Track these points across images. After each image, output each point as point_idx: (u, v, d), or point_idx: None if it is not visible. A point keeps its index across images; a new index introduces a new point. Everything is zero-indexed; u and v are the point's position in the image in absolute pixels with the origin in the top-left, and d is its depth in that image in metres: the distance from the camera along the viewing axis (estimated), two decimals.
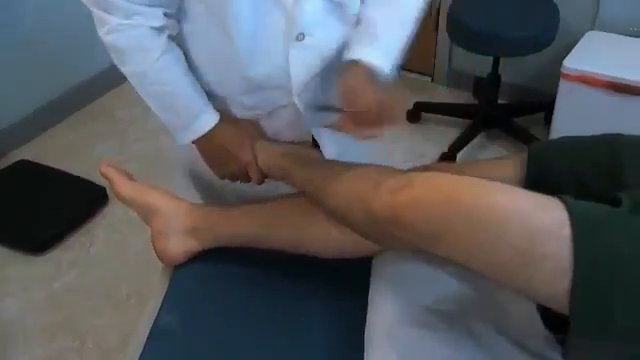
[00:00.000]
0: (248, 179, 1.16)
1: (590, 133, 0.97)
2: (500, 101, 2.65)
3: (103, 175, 1.13)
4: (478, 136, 2.59)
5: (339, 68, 1.05)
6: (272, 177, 1.14)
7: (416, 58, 2.99)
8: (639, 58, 2.24)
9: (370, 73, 1.03)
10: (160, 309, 1.11)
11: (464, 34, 2.33)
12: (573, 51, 2.27)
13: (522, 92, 2.75)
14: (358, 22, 1.09)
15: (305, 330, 1.04)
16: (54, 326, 1.96)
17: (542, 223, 0.71)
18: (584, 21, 2.46)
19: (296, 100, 1.11)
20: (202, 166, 1.19)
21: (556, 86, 2.27)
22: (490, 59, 2.49)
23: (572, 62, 2.22)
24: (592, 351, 0.75)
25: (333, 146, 1.22)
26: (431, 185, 0.79)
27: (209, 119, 1.11)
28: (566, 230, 0.70)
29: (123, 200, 1.13)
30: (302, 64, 1.07)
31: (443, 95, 2.91)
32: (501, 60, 2.50)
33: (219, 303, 1.11)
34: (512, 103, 2.76)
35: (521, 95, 2.75)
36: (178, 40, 1.07)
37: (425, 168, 1.08)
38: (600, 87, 2.16)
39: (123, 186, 1.13)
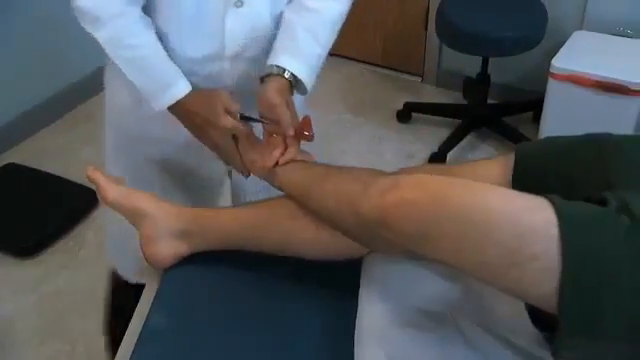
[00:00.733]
0: (235, 150, 1.14)
1: (579, 132, 0.97)
2: (489, 101, 2.66)
3: (90, 179, 1.12)
4: (468, 136, 2.60)
5: (264, 76, 1.12)
6: (257, 173, 1.14)
7: (406, 58, 3.00)
8: (626, 58, 2.26)
9: (291, 85, 1.12)
10: (150, 311, 1.10)
11: (453, 34, 2.34)
12: (561, 51, 2.29)
13: (511, 92, 2.76)
14: (282, 23, 1.16)
15: (294, 331, 1.04)
16: (44, 330, 1.95)
17: (530, 223, 0.72)
18: (572, 21, 2.47)
19: (227, 67, 1.16)
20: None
21: (545, 85, 2.29)
22: (479, 59, 2.50)
23: (560, 62, 2.23)
24: (581, 350, 0.75)
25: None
26: (419, 186, 0.79)
27: (185, 85, 1.12)
28: (554, 230, 0.70)
29: (110, 204, 1.12)
30: (238, 30, 1.13)
31: (433, 95, 2.91)
32: (490, 60, 2.51)
33: (209, 305, 1.10)
34: (501, 103, 2.77)
35: (510, 95, 2.77)
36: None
37: (413, 170, 1.08)
38: (588, 86, 2.17)
39: (110, 190, 1.12)
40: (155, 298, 1.12)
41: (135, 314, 1.15)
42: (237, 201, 1.44)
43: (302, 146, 1.13)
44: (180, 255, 1.14)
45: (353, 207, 0.84)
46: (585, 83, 2.18)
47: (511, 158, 0.98)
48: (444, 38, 2.42)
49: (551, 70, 2.24)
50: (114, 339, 1.58)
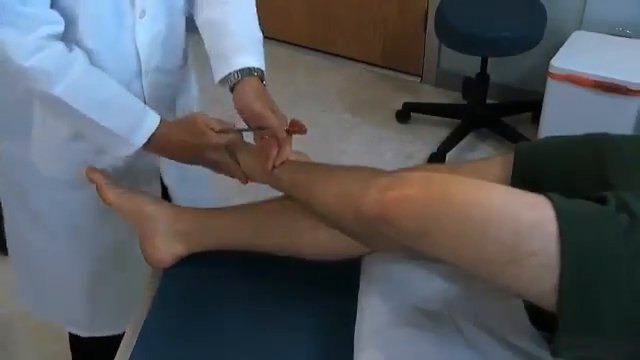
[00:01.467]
0: (234, 162, 1.12)
1: (578, 132, 0.97)
2: (489, 101, 2.66)
3: (89, 179, 1.12)
4: (467, 136, 2.60)
5: (233, 84, 1.09)
6: (258, 182, 1.13)
7: (405, 58, 3.00)
8: (625, 58, 2.26)
9: (261, 80, 1.10)
10: (149, 311, 1.10)
11: (452, 35, 2.34)
12: (560, 51, 2.29)
13: (510, 92, 2.76)
14: (210, 26, 1.14)
15: (294, 331, 1.04)
16: (43, 330, 1.95)
17: (529, 220, 0.72)
18: (571, 21, 2.47)
19: (143, 83, 1.13)
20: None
21: (544, 86, 2.29)
22: (478, 59, 2.50)
23: (559, 62, 2.23)
24: (580, 348, 0.75)
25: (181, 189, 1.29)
26: (420, 183, 0.79)
27: (154, 114, 1.08)
28: (553, 227, 0.70)
29: (110, 205, 1.12)
30: (147, 41, 1.10)
31: (432, 95, 2.91)
32: (489, 60, 2.51)
33: (208, 305, 1.11)
34: (500, 103, 2.77)
35: (509, 95, 2.77)
36: None
37: (413, 170, 1.08)
38: (587, 86, 2.18)
39: (110, 191, 1.12)
40: (155, 298, 1.13)
41: (135, 314, 1.15)
42: None
43: (300, 147, 1.13)
44: (179, 255, 1.14)
45: (353, 205, 0.84)
46: (584, 83, 2.18)
47: (510, 158, 0.98)
48: (443, 38, 2.42)
49: (550, 70, 2.24)
50: None
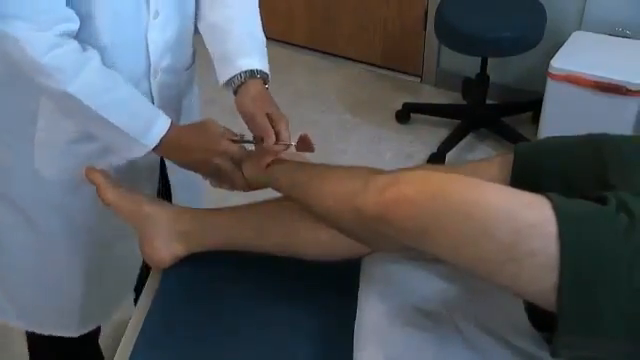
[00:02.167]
0: (237, 170, 1.12)
1: (577, 132, 0.97)
2: (488, 101, 2.66)
3: (89, 179, 1.12)
4: (467, 136, 2.60)
5: (237, 86, 1.10)
6: (258, 186, 1.13)
7: (405, 59, 3.00)
8: (625, 58, 2.26)
9: (264, 82, 1.12)
10: (149, 311, 1.10)
11: (452, 35, 2.34)
12: (560, 51, 2.29)
13: (510, 92, 2.76)
14: (213, 30, 1.15)
15: (294, 331, 1.04)
16: None
17: (528, 219, 0.72)
18: (571, 21, 2.47)
19: (152, 82, 1.14)
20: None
21: (543, 86, 2.29)
22: (478, 59, 2.50)
23: (559, 62, 2.23)
24: (579, 348, 0.75)
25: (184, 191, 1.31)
26: (419, 182, 0.79)
27: (165, 117, 1.08)
28: (552, 227, 0.70)
29: (110, 205, 1.12)
30: (159, 41, 1.11)
31: (432, 95, 2.91)
32: (489, 60, 2.51)
33: (208, 305, 1.11)
34: (500, 103, 2.77)
35: (509, 95, 2.77)
36: None
37: (412, 169, 1.08)
38: (587, 87, 2.18)
39: (110, 191, 1.12)
40: (155, 298, 1.13)
41: (135, 314, 1.16)
42: None
43: None
44: (179, 256, 1.14)
45: (353, 204, 0.84)
46: (584, 83, 2.18)
47: (510, 158, 0.98)
48: (443, 38, 2.42)
49: (550, 70, 2.24)
50: None
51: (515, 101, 2.76)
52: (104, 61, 1.04)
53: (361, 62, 3.08)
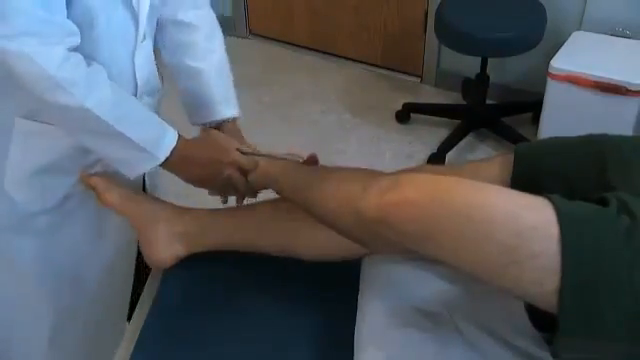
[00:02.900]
0: (244, 179, 1.12)
1: (578, 132, 0.97)
2: (488, 101, 2.66)
3: (86, 184, 1.12)
4: (467, 136, 2.60)
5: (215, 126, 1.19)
6: (258, 187, 1.13)
7: (405, 59, 3.00)
8: (625, 58, 2.26)
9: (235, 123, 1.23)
10: (149, 311, 1.10)
11: (452, 35, 2.34)
12: (560, 51, 2.29)
13: (510, 92, 2.76)
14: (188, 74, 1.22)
15: (294, 331, 1.04)
16: None
17: (530, 222, 0.72)
18: (571, 21, 2.47)
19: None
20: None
21: (544, 86, 2.29)
22: (478, 60, 2.50)
23: (559, 62, 2.23)
24: (580, 350, 0.75)
25: None
26: (419, 185, 0.79)
27: (173, 130, 1.07)
28: (554, 229, 0.70)
29: (111, 207, 1.12)
30: (144, 64, 1.12)
31: (432, 96, 2.91)
32: (489, 60, 2.51)
33: (208, 305, 1.11)
34: (500, 103, 2.77)
35: (509, 95, 2.77)
36: None
37: (413, 171, 1.08)
38: (587, 87, 2.18)
39: (109, 192, 1.12)
40: (154, 298, 1.13)
41: (135, 314, 1.16)
42: None
43: (301, 147, 1.14)
44: (179, 256, 1.14)
45: (353, 207, 0.84)
46: (584, 84, 2.18)
47: (510, 158, 0.98)
48: (443, 39, 2.42)
49: (550, 71, 2.24)
50: None
51: (515, 101, 2.76)
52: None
53: (361, 62, 3.08)
